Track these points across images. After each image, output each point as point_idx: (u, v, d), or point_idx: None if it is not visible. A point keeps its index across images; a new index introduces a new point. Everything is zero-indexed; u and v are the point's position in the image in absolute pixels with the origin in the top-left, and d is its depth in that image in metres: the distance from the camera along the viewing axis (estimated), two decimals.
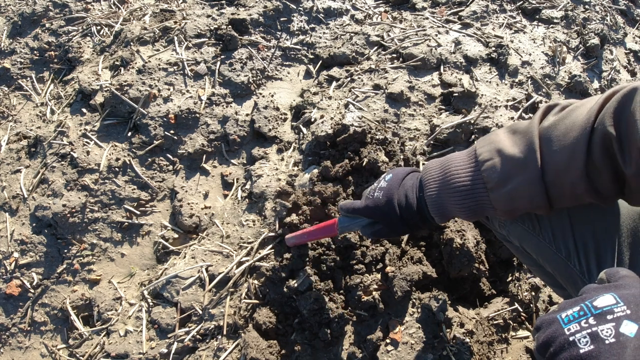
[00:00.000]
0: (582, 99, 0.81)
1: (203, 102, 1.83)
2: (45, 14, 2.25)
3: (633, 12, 2.73)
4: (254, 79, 1.97)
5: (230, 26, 2.04)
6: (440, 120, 1.79)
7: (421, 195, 0.97)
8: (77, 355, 1.39)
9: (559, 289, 1.13)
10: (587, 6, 2.49)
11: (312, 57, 2.13)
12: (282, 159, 1.74)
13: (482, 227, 1.58)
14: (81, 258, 1.55)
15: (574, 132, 0.74)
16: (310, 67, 2.09)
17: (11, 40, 2.20)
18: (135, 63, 1.89)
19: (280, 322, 1.35)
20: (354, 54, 2.06)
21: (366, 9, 2.33)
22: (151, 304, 1.44)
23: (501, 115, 1.81)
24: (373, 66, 1.97)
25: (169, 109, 1.79)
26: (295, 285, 1.33)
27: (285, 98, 1.98)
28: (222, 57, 1.97)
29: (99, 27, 2.20)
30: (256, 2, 2.22)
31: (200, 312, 1.38)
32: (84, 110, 1.86)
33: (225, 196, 1.71)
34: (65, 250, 1.56)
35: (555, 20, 2.34)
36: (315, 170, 1.55)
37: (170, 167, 1.74)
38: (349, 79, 1.95)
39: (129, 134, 1.77)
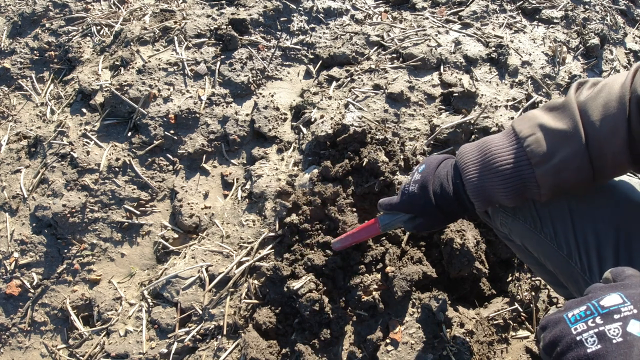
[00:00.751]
0: None
1: (203, 102, 1.83)
2: (45, 14, 2.25)
3: (633, 12, 2.73)
4: (254, 79, 1.97)
5: (230, 26, 2.04)
6: (440, 120, 1.79)
7: (458, 182, 0.94)
8: (77, 355, 1.39)
9: (560, 287, 1.13)
10: (587, 6, 2.49)
11: (312, 57, 2.13)
12: (282, 159, 1.74)
13: (482, 227, 1.58)
14: (81, 258, 1.55)
15: (613, 103, 0.75)
16: (310, 67, 2.09)
17: (11, 40, 2.20)
18: (135, 63, 1.89)
19: (280, 322, 1.35)
20: (354, 54, 2.06)
21: (366, 9, 2.33)
22: (151, 304, 1.44)
23: (501, 115, 1.81)
24: (373, 66, 1.97)
25: (169, 109, 1.79)
26: (296, 285, 1.33)
27: (285, 98, 1.98)
28: (222, 57, 1.97)
29: (99, 27, 2.20)
30: (256, 2, 2.22)
31: (200, 312, 1.38)
32: (84, 110, 1.86)
33: (225, 196, 1.71)
34: (65, 250, 1.56)
35: (555, 20, 2.34)
36: (315, 170, 1.55)
37: (170, 167, 1.74)
38: (349, 79, 1.95)
39: (129, 134, 1.77)
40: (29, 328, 1.46)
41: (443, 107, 1.86)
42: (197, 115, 1.81)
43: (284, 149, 1.79)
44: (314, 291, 1.31)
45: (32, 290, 1.50)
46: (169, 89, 1.84)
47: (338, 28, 2.22)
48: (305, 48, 2.14)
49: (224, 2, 2.23)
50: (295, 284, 1.31)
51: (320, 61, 2.08)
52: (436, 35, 2.12)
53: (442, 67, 1.99)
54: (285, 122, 1.89)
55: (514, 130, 0.86)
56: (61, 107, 1.92)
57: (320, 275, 1.36)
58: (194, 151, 1.75)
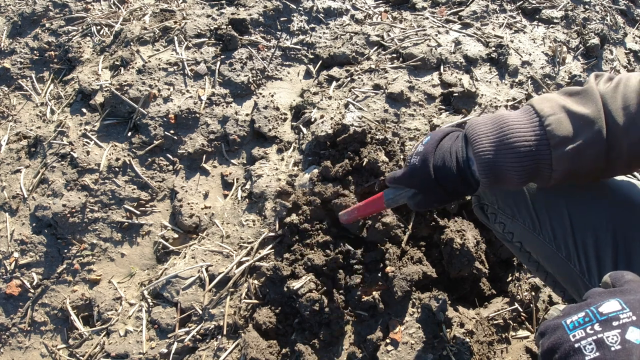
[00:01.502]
0: None
1: (203, 102, 1.83)
2: (45, 14, 2.25)
3: (633, 12, 2.73)
4: (254, 79, 1.97)
5: (230, 26, 2.04)
6: (440, 120, 1.79)
7: (465, 156, 0.87)
8: (77, 355, 1.39)
9: (559, 288, 1.13)
10: (587, 6, 2.49)
11: (312, 57, 2.13)
12: (282, 159, 1.74)
13: (482, 227, 1.58)
14: (81, 258, 1.55)
15: (631, 94, 0.74)
16: (310, 67, 2.09)
17: (11, 40, 2.20)
18: (135, 63, 1.89)
19: (280, 322, 1.35)
20: (354, 54, 2.06)
21: (366, 9, 2.33)
22: (151, 304, 1.44)
23: None
24: (373, 66, 1.97)
25: (169, 109, 1.79)
26: (296, 285, 1.33)
27: (285, 98, 1.98)
28: (222, 57, 1.97)
29: (99, 27, 2.20)
30: (256, 2, 2.22)
31: (200, 312, 1.38)
32: (84, 110, 1.86)
33: (225, 196, 1.71)
34: (65, 250, 1.56)
35: (555, 20, 2.34)
36: (315, 170, 1.55)
37: (170, 167, 1.74)
38: (349, 79, 1.95)
39: (129, 134, 1.77)
40: (29, 328, 1.46)
41: (443, 107, 1.86)
42: (197, 115, 1.81)
43: (284, 149, 1.79)
44: (314, 291, 1.31)
45: (32, 290, 1.50)
46: (169, 89, 1.84)
47: (338, 28, 2.22)
48: (305, 48, 2.14)
49: (224, 2, 2.23)
50: (295, 284, 1.31)
51: (320, 61, 2.08)
52: (436, 35, 2.12)
53: (442, 67, 1.99)
54: (285, 122, 1.89)
55: (534, 109, 0.81)
56: (61, 107, 1.92)
57: (320, 275, 1.36)
58: (194, 151, 1.75)
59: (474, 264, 1.41)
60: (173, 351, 1.32)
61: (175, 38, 1.98)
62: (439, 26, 2.18)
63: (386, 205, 1.13)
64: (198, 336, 1.35)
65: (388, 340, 1.27)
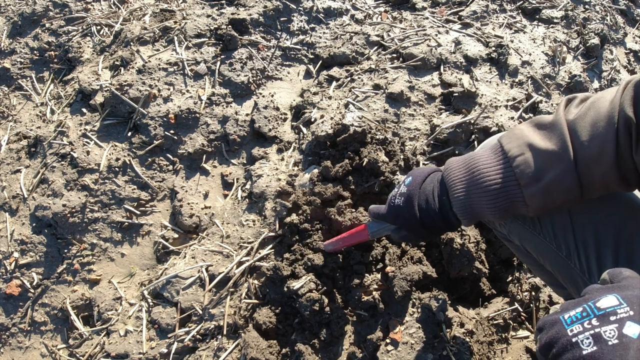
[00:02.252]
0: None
1: (203, 102, 1.83)
2: (45, 14, 2.25)
3: (633, 12, 2.73)
4: (254, 79, 1.97)
5: (230, 26, 2.04)
6: (441, 120, 1.79)
7: (444, 199, 0.93)
8: (77, 355, 1.39)
9: (559, 288, 1.13)
10: (587, 6, 2.49)
11: (312, 57, 2.13)
12: (282, 159, 1.74)
13: (482, 227, 1.58)
14: (81, 258, 1.55)
15: (601, 122, 0.74)
16: (310, 67, 2.09)
17: (11, 40, 2.20)
18: (135, 63, 1.89)
19: (280, 322, 1.35)
20: (354, 53, 2.06)
21: (366, 8, 2.33)
22: (151, 304, 1.44)
23: (501, 115, 1.81)
24: (373, 66, 1.97)
25: (169, 109, 1.79)
26: (296, 285, 1.33)
27: (285, 98, 1.98)
28: (222, 57, 1.97)
29: (99, 27, 2.20)
30: (256, 2, 2.22)
31: (200, 312, 1.38)
32: (84, 110, 1.86)
33: (225, 196, 1.71)
34: (65, 250, 1.56)
35: (555, 20, 2.34)
36: (316, 170, 1.55)
37: (170, 167, 1.74)
38: (349, 79, 1.95)
39: (129, 134, 1.77)
40: (29, 328, 1.46)
41: (443, 107, 1.86)
42: (197, 115, 1.81)
43: (284, 149, 1.79)
44: (314, 291, 1.31)
45: (32, 290, 1.50)
46: (169, 89, 1.84)
47: (338, 28, 2.22)
48: (305, 48, 2.14)
49: (224, 2, 2.23)
50: (295, 284, 1.31)
51: (320, 61, 2.08)
52: (436, 35, 2.12)
53: (442, 67, 1.99)
54: (285, 122, 1.89)
55: (502, 148, 0.85)
56: (61, 107, 1.92)
57: (320, 275, 1.36)
58: (194, 151, 1.76)
59: (474, 264, 1.41)
60: (173, 351, 1.32)
61: (175, 38, 1.98)
62: (439, 26, 2.18)
63: (370, 237, 1.19)
64: (198, 336, 1.35)
65: (388, 340, 1.27)
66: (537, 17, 2.36)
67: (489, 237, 1.59)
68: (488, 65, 2.03)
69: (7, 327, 1.46)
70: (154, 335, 1.38)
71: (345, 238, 1.29)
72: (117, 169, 1.68)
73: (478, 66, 2.02)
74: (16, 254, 1.54)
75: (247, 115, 1.87)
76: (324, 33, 2.20)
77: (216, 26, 2.05)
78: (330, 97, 1.88)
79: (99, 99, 1.85)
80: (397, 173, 1.55)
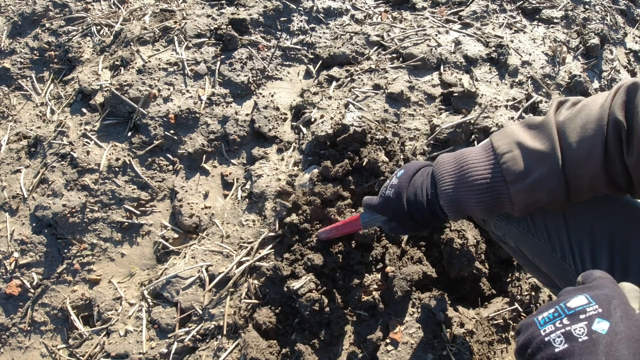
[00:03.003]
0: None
1: (203, 102, 1.83)
2: (45, 14, 2.25)
3: (633, 12, 2.73)
4: (254, 79, 1.97)
5: (230, 26, 2.04)
6: (440, 120, 1.79)
7: (433, 192, 0.95)
8: (77, 355, 1.39)
9: (556, 288, 1.13)
10: (587, 6, 2.49)
11: (312, 57, 2.13)
12: (282, 159, 1.74)
13: (482, 227, 1.58)
14: (81, 258, 1.55)
15: (590, 124, 0.75)
16: (310, 67, 2.09)
17: (11, 40, 2.20)
18: (135, 63, 1.89)
19: (280, 322, 1.35)
20: (354, 53, 2.06)
21: (366, 8, 2.33)
22: (151, 304, 1.44)
23: (501, 115, 1.81)
24: (373, 66, 1.97)
25: (169, 109, 1.79)
26: (296, 285, 1.33)
27: (285, 98, 1.98)
28: (222, 57, 1.97)
29: (99, 27, 2.20)
30: (256, 2, 2.22)
31: (200, 312, 1.38)
32: (84, 110, 1.86)
33: (225, 196, 1.71)
34: (65, 250, 1.56)
35: (555, 20, 2.34)
36: (315, 170, 1.55)
37: (170, 167, 1.74)
38: (349, 79, 1.95)
39: (129, 134, 1.77)
40: (29, 328, 1.46)
41: (443, 107, 1.86)
42: (197, 115, 1.81)
43: (284, 149, 1.79)
44: (314, 291, 1.31)
45: (32, 290, 1.50)
46: (169, 89, 1.84)
47: (338, 28, 2.22)
48: (305, 48, 2.14)
49: (224, 2, 2.23)
50: (295, 284, 1.31)
51: (320, 61, 2.08)
52: (436, 35, 2.12)
53: (442, 67, 1.99)
54: (285, 122, 1.89)
55: (492, 145, 0.86)
56: (61, 107, 1.92)
57: (320, 275, 1.36)
58: (194, 151, 1.75)
59: (474, 264, 1.41)
60: (173, 351, 1.32)
61: (175, 38, 1.98)
62: (439, 26, 2.18)
63: (362, 228, 1.20)
64: (198, 336, 1.35)
65: (388, 340, 1.27)
66: (537, 17, 2.36)
67: (489, 237, 1.59)
68: (488, 65, 2.03)
69: (7, 327, 1.46)
70: (154, 335, 1.38)
71: (339, 227, 1.31)
72: (117, 169, 1.68)
73: (478, 66, 2.02)
74: (16, 254, 1.54)
75: (247, 115, 1.87)
76: (324, 33, 2.20)
77: (216, 26, 2.05)
78: (330, 97, 1.88)
79: (99, 99, 1.85)
80: None
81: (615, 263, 0.83)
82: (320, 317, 1.30)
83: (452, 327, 1.28)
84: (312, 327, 1.31)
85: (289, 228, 1.46)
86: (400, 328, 1.29)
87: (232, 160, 1.79)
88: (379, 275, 1.38)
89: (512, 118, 1.81)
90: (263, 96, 1.93)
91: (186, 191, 1.68)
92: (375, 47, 2.10)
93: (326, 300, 1.31)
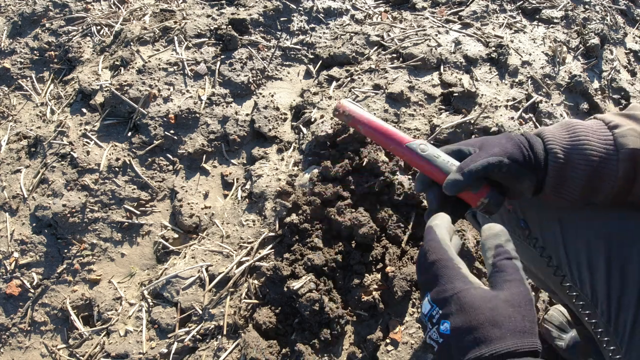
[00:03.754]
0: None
1: (203, 102, 1.83)
2: (45, 14, 2.25)
3: (633, 12, 2.73)
4: (254, 79, 1.97)
5: (230, 26, 2.04)
6: (441, 120, 1.79)
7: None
8: (77, 355, 1.39)
9: (553, 293, 1.12)
10: (587, 6, 2.49)
11: (312, 57, 2.13)
12: (282, 159, 1.74)
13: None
14: (81, 258, 1.55)
15: None
16: (310, 67, 2.09)
17: (11, 40, 2.20)
18: (135, 63, 1.89)
19: (280, 322, 1.35)
20: (354, 54, 2.06)
21: (366, 9, 2.33)
22: (151, 304, 1.44)
23: (501, 115, 1.81)
24: (373, 66, 1.97)
25: (169, 109, 1.79)
26: (296, 285, 1.33)
27: (285, 98, 1.98)
28: (222, 57, 1.97)
29: (99, 27, 2.20)
30: (256, 2, 2.22)
31: (200, 312, 1.38)
32: (84, 110, 1.86)
33: (225, 196, 1.71)
34: (65, 250, 1.56)
35: (555, 20, 2.34)
36: (315, 170, 1.55)
37: (170, 167, 1.74)
38: (349, 79, 1.95)
39: (129, 134, 1.77)
40: (29, 328, 1.46)
41: (443, 107, 1.86)
42: (197, 115, 1.81)
43: (284, 149, 1.79)
44: (314, 291, 1.31)
45: (32, 290, 1.50)
46: (169, 89, 1.84)
47: (338, 28, 2.22)
48: (305, 48, 2.14)
49: (224, 2, 2.23)
50: (295, 284, 1.31)
51: (320, 61, 2.08)
52: (436, 35, 2.12)
53: (442, 67, 1.99)
54: (285, 122, 1.89)
55: (604, 121, 0.81)
56: (61, 107, 1.92)
57: (320, 275, 1.36)
58: (194, 151, 1.76)
59: (474, 264, 1.41)
60: (173, 351, 1.32)
61: (175, 38, 1.99)
62: (439, 26, 2.18)
63: (445, 188, 0.81)
64: (198, 336, 1.35)
65: (388, 340, 1.27)
66: (537, 17, 2.36)
67: None
68: (488, 65, 2.03)
69: (7, 327, 1.46)
70: (154, 335, 1.38)
71: (387, 136, 0.94)
72: (117, 169, 1.68)
73: (478, 66, 2.02)
74: (16, 254, 1.54)
75: (247, 115, 1.87)
76: (324, 33, 2.20)
77: (216, 26, 2.05)
78: (330, 97, 1.88)
79: (99, 99, 1.85)
80: (397, 173, 1.55)
81: (612, 271, 0.81)
82: (320, 317, 1.30)
83: None
84: (312, 327, 1.31)
85: (289, 228, 1.46)
86: (400, 328, 1.29)
87: (232, 160, 1.79)
88: (379, 275, 1.38)
89: (512, 118, 1.81)
90: (263, 96, 1.93)
91: (186, 191, 1.69)
92: (375, 47, 2.10)
93: (326, 300, 1.31)
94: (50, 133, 1.80)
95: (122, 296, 1.48)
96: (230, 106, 1.87)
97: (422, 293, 0.65)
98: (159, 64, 1.88)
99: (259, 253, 1.46)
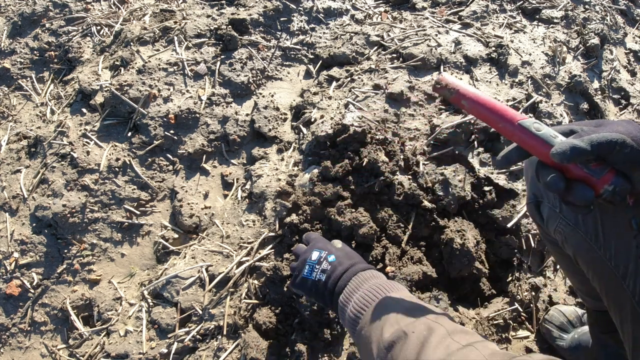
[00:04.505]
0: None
1: (203, 102, 1.83)
2: (45, 14, 2.25)
3: (633, 12, 2.73)
4: (254, 79, 1.97)
5: (230, 26, 2.04)
6: (440, 120, 1.79)
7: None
8: (77, 355, 1.39)
9: (591, 298, 1.07)
10: (587, 6, 2.49)
11: (312, 57, 2.13)
12: (282, 159, 1.74)
13: (482, 227, 1.58)
14: (81, 258, 1.55)
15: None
16: (310, 67, 2.09)
17: (11, 40, 2.20)
18: (135, 63, 1.89)
19: (280, 322, 1.35)
20: (354, 54, 2.06)
21: (366, 9, 2.33)
22: (151, 304, 1.44)
23: None
24: (373, 66, 1.97)
25: (169, 109, 1.79)
26: None
27: (285, 98, 1.98)
28: (222, 57, 1.97)
29: (99, 27, 2.20)
30: (256, 2, 2.22)
31: (200, 312, 1.38)
32: (84, 110, 1.86)
33: (225, 196, 1.71)
34: (65, 250, 1.56)
35: (555, 20, 2.34)
36: (316, 170, 1.55)
37: (170, 167, 1.74)
38: (349, 79, 1.95)
39: (129, 134, 1.77)
40: (29, 328, 1.46)
41: (443, 107, 1.86)
42: (197, 115, 1.81)
43: (284, 149, 1.79)
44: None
45: (32, 290, 1.50)
46: (169, 89, 1.84)
47: (338, 28, 2.22)
48: (305, 48, 2.14)
49: (224, 2, 2.23)
50: None
51: (320, 61, 2.08)
52: (436, 35, 2.12)
53: (442, 67, 1.99)
54: (285, 122, 1.89)
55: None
56: (61, 107, 1.92)
57: None
58: (194, 151, 1.75)
59: (474, 264, 1.41)
60: (173, 351, 1.32)
61: (175, 38, 1.98)
62: (439, 26, 2.18)
63: (552, 156, 0.68)
64: (198, 336, 1.35)
65: None
66: (537, 17, 2.36)
67: (489, 237, 1.59)
68: (488, 65, 2.03)
69: (7, 327, 1.46)
70: (154, 335, 1.38)
71: (496, 114, 0.78)
72: (117, 169, 1.68)
73: (478, 66, 2.02)
74: (16, 254, 1.54)
75: (247, 115, 1.87)
76: (324, 33, 2.20)
77: (216, 26, 2.05)
78: (330, 97, 1.88)
79: (99, 99, 1.85)
80: (397, 173, 1.55)
81: None
82: (320, 317, 1.30)
83: None
84: (312, 327, 1.31)
85: (289, 228, 1.46)
86: None
87: (232, 160, 1.79)
88: None
89: None
90: (263, 96, 1.93)
91: (186, 191, 1.69)
92: (375, 47, 2.10)
93: None
94: (50, 133, 1.80)
95: (122, 296, 1.48)
96: (230, 106, 1.87)
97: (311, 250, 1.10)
98: (159, 64, 1.88)
99: (259, 253, 1.46)
